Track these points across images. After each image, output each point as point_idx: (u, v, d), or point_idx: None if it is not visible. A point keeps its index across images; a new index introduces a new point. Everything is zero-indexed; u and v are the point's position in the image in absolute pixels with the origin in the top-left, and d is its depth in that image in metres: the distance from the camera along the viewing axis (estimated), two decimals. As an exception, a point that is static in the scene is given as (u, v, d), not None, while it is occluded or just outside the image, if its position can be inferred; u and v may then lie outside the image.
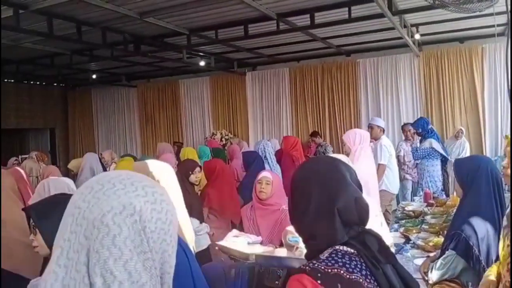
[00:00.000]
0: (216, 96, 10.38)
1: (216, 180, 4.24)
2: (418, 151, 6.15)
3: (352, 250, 1.14)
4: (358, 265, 1.12)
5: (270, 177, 3.35)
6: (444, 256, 2.49)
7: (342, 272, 1.08)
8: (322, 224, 1.16)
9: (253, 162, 4.90)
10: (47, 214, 1.66)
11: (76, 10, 5.35)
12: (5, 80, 10.65)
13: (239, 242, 3.04)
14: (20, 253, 2.20)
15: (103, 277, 0.69)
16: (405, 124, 7.11)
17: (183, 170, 3.98)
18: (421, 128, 6.29)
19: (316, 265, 1.10)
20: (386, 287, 1.12)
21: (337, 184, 1.20)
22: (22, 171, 3.74)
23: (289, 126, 9.55)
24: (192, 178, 3.95)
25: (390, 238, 2.97)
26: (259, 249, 3.02)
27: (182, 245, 2.12)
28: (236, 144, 7.60)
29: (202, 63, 8.57)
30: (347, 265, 1.10)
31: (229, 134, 9.93)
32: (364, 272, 1.11)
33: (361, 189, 1.24)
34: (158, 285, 0.75)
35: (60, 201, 1.64)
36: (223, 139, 9.64)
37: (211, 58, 8.66)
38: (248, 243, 3.07)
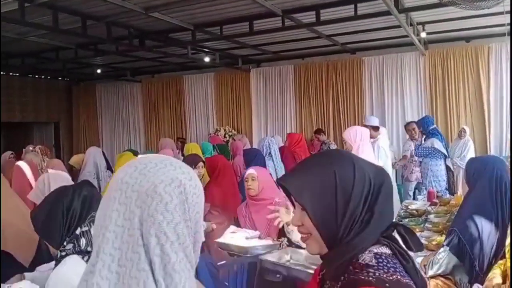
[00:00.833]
0: (220, 92, 10.37)
1: (218, 176, 4.25)
2: (420, 149, 6.14)
3: (389, 252, 1.04)
4: (398, 266, 1.02)
5: (255, 173, 3.38)
6: (439, 251, 2.52)
7: (399, 277, 0.99)
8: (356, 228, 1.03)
9: (254, 158, 4.90)
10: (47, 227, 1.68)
11: (81, 4, 5.35)
12: (10, 74, 10.68)
13: (238, 238, 3.05)
14: (12, 236, 2.27)
15: (158, 237, 0.80)
16: (408, 123, 7.05)
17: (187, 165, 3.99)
18: (422, 127, 6.28)
19: (376, 274, 0.99)
20: (419, 283, 1.03)
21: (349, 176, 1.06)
22: (23, 167, 3.72)
23: (293, 123, 9.53)
24: (195, 172, 3.96)
25: None
26: (257, 243, 3.03)
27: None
28: (239, 140, 7.59)
29: (206, 59, 8.56)
30: (397, 269, 1.01)
31: (233, 130, 9.92)
32: (403, 273, 1.01)
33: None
34: (193, 249, 0.87)
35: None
36: (226, 135, 9.63)
37: (216, 54, 8.65)
38: (246, 238, 3.07)
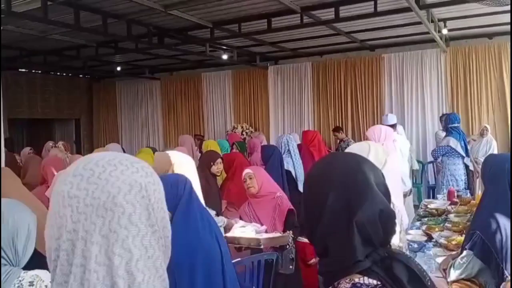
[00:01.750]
0: (238, 89, 10.39)
1: (234, 174, 4.28)
2: (437, 150, 6.06)
3: (375, 282, 0.91)
4: None
5: (251, 171, 3.48)
6: (462, 255, 2.44)
7: None
8: (336, 239, 0.94)
9: (271, 156, 4.90)
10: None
11: (103, 2, 5.42)
12: (33, 71, 10.91)
13: (248, 231, 3.09)
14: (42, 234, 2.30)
15: (121, 256, 0.70)
16: (442, 115, 7.05)
17: (205, 161, 4.03)
18: (444, 123, 6.21)
19: None
20: None
21: (358, 189, 0.97)
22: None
23: (311, 121, 9.49)
24: (214, 168, 4.01)
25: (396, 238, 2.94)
26: (268, 236, 3.08)
27: (218, 239, 2.15)
28: (256, 137, 7.59)
29: (224, 57, 8.59)
30: None
31: (250, 128, 9.93)
32: None
33: (389, 197, 1.01)
34: (162, 254, 0.78)
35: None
36: (244, 132, 9.65)
37: (234, 52, 8.66)
38: (256, 231, 3.12)
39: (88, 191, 0.73)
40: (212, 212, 3.78)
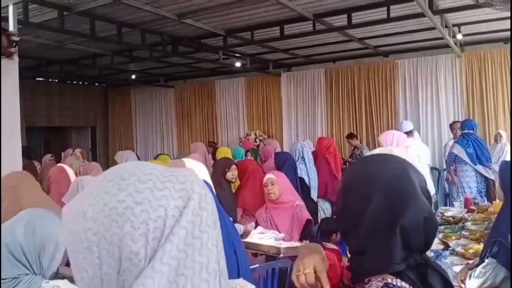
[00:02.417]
0: (251, 97, 10.42)
1: (248, 181, 4.28)
2: (447, 157, 5.97)
3: (407, 286, 0.92)
4: None
5: (274, 177, 3.45)
6: (484, 264, 2.38)
7: None
8: (376, 241, 0.94)
9: (285, 163, 4.89)
10: None
11: (117, 12, 5.51)
12: (50, 80, 11.11)
13: (267, 238, 3.08)
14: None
15: None
16: (453, 122, 6.93)
17: (220, 167, 4.05)
18: (461, 129, 6.09)
19: None
20: None
21: (404, 193, 0.96)
22: (66, 168, 3.91)
23: (324, 127, 9.45)
24: (229, 175, 4.03)
25: None
26: (287, 245, 3.06)
27: (235, 249, 2.15)
28: (269, 144, 7.60)
29: (237, 64, 8.63)
30: None
31: (263, 134, 9.94)
32: None
33: (431, 203, 1.02)
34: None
35: None
36: (257, 139, 9.66)
37: (247, 59, 8.71)
38: (275, 239, 3.11)
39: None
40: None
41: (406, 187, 0.97)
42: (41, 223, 1.58)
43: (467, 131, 5.93)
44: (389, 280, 0.94)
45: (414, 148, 5.41)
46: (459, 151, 5.75)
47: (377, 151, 3.21)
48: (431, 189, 5.49)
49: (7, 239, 1.50)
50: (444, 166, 7.54)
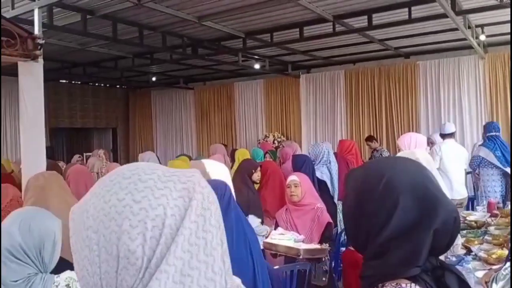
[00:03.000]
0: (270, 98, 10.43)
1: (268, 181, 4.29)
2: (472, 161, 5.83)
3: None
4: None
5: (298, 180, 3.44)
6: (505, 266, 2.34)
7: None
8: (405, 245, 0.91)
9: (303, 165, 4.87)
10: None
11: (139, 15, 5.60)
12: (72, 82, 11.34)
13: (286, 239, 3.09)
14: (66, 240, 2.37)
15: None
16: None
17: (246, 168, 4.09)
18: (484, 131, 5.96)
19: None
20: None
21: (433, 196, 0.94)
22: (84, 169, 3.99)
23: (344, 129, 9.39)
24: (255, 176, 4.08)
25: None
26: (307, 247, 3.06)
27: (252, 251, 2.15)
28: (288, 146, 7.58)
29: (257, 66, 8.66)
30: None
31: (282, 136, 9.93)
32: None
33: None
34: None
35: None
36: (275, 141, 9.66)
37: (266, 61, 8.72)
38: (295, 240, 3.11)
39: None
40: (258, 221, 3.82)
41: (431, 188, 0.96)
42: (35, 220, 1.61)
43: (494, 133, 5.81)
44: (403, 285, 0.92)
45: (443, 145, 5.40)
46: (486, 154, 5.61)
47: (400, 154, 3.18)
48: (461, 190, 5.41)
49: (6, 243, 1.53)
50: (468, 170, 7.41)
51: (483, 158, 5.61)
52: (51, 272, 1.61)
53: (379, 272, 0.96)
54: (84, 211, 0.62)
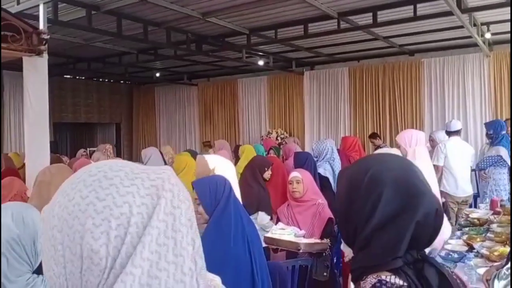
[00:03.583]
0: (274, 95, 10.43)
1: (272, 177, 4.30)
2: (485, 161, 5.75)
3: (401, 283, 0.92)
4: None
5: (300, 176, 3.47)
6: (507, 266, 2.34)
7: None
8: (387, 236, 0.94)
9: (305, 162, 4.88)
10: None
11: (143, 11, 5.60)
12: (77, 77, 11.37)
13: (287, 234, 3.11)
14: None
15: None
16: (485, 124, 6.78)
17: (258, 166, 4.10)
18: (493, 130, 5.86)
19: None
20: None
21: (416, 189, 0.97)
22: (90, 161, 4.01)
23: (347, 126, 9.38)
24: (266, 174, 4.09)
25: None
26: (307, 241, 3.08)
27: (250, 246, 2.15)
28: (291, 143, 7.60)
29: (260, 63, 8.65)
30: None
31: (285, 133, 9.93)
32: None
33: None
34: None
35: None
36: (278, 138, 9.66)
37: (270, 58, 8.72)
38: (295, 235, 3.13)
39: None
40: (267, 218, 3.84)
41: (415, 181, 0.99)
42: (26, 212, 1.61)
43: (504, 132, 5.77)
44: (383, 277, 0.94)
45: (448, 142, 5.42)
46: (505, 154, 5.55)
47: (378, 151, 3.21)
48: (467, 188, 5.43)
49: (5, 237, 1.51)
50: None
51: (501, 157, 5.53)
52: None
53: (363, 265, 0.98)
54: (51, 210, 0.60)
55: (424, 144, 4.02)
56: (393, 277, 0.94)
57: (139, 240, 0.56)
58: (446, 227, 3.18)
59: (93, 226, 0.56)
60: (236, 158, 6.16)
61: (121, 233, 0.56)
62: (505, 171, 5.60)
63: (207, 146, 9.17)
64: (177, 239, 0.59)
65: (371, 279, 0.95)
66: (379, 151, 3.34)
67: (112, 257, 0.56)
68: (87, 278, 0.56)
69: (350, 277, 1.12)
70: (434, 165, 5.23)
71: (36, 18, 4.15)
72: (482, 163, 5.73)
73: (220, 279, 0.83)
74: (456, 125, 5.80)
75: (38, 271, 1.60)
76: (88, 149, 8.76)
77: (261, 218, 3.84)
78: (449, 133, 5.70)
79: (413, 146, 3.78)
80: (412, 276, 0.93)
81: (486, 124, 6.26)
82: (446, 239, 3.39)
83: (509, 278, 2.29)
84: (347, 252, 3.12)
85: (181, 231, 0.60)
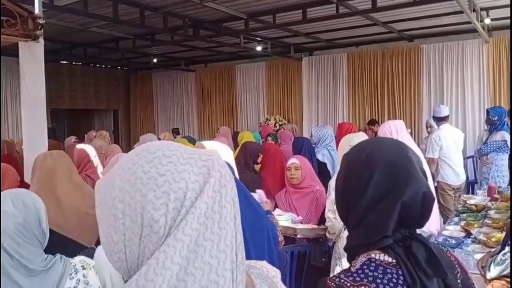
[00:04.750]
0: (272, 81, 10.37)
1: (268, 163, 4.31)
2: (488, 145, 5.70)
3: (390, 260, 0.98)
4: (394, 279, 0.95)
5: (298, 162, 3.48)
6: (504, 251, 2.36)
7: None
8: (375, 215, 0.99)
9: (302, 147, 4.88)
10: None
11: (140, -5, 5.53)
12: (73, 63, 11.28)
13: (284, 220, 3.14)
14: (75, 221, 2.39)
15: None
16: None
17: (252, 152, 4.13)
18: (498, 116, 5.78)
19: (342, 280, 0.97)
20: None
21: (406, 171, 1.01)
22: (89, 150, 3.99)
23: (345, 113, 9.36)
24: (259, 159, 4.12)
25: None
26: (305, 227, 3.11)
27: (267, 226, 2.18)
28: (289, 130, 7.59)
29: (258, 48, 8.58)
30: (378, 280, 0.95)
31: (283, 119, 9.91)
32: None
33: (427, 180, 1.06)
34: None
35: None
36: (276, 124, 9.65)
37: (268, 43, 8.65)
38: (292, 221, 3.16)
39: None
40: (264, 196, 3.88)
41: (405, 163, 1.03)
42: (24, 196, 1.62)
43: (506, 118, 5.74)
44: (373, 255, 0.99)
45: (441, 132, 5.44)
46: (509, 138, 5.52)
47: (357, 135, 3.26)
48: (463, 176, 5.52)
49: (10, 224, 1.52)
50: (469, 154, 7.39)
51: (504, 142, 5.50)
52: (48, 251, 1.63)
53: (356, 243, 1.03)
54: (111, 182, 0.67)
55: (405, 131, 4.00)
56: (382, 255, 0.99)
57: (191, 212, 0.63)
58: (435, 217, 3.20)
59: (154, 198, 0.63)
60: (235, 145, 6.15)
61: (178, 206, 0.63)
62: (506, 157, 5.57)
63: (175, 133, 9.37)
64: (222, 214, 0.66)
65: (362, 258, 1.00)
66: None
67: (169, 226, 0.62)
68: (145, 244, 0.63)
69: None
70: (429, 158, 5.27)
71: (32, 2, 4.08)
72: (486, 148, 5.68)
73: (280, 273, 0.86)
74: (445, 110, 5.78)
75: (67, 253, 1.67)
76: (86, 135, 8.70)
77: (260, 194, 3.85)
78: (438, 119, 5.65)
79: (394, 135, 3.76)
80: (400, 253, 0.97)
81: (490, 109, 6.14)
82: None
83: (505, 263, 2.32)
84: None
85: (226, 207, 0.67)
